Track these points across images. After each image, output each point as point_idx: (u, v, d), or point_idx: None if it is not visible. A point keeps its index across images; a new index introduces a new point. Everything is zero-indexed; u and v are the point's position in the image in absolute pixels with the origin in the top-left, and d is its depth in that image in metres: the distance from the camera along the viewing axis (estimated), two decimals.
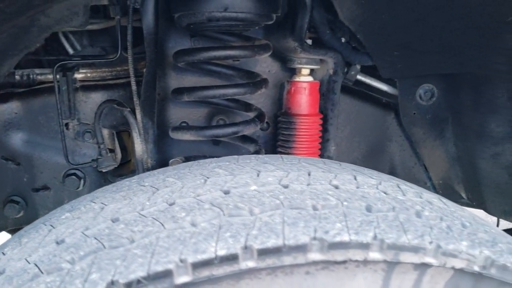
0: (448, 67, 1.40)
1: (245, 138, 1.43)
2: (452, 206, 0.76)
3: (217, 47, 1.34)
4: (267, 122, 1.58)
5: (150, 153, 1.44)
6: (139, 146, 1.33)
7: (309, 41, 1.45)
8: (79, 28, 1.26)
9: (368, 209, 0.64)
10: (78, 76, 1.45)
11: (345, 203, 0.64)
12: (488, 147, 1.46)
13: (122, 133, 1.55)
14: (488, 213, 1.60)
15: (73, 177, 1.45)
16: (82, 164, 1.46)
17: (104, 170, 1.42)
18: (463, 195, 1.67)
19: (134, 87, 1.31)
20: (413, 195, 0.73)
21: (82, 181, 1.46)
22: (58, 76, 1.41)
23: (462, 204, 1.80)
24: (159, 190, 0.71)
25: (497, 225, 1.81)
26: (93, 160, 1.43)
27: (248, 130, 1.29)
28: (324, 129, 1.54)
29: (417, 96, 1.53)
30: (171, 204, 0.65)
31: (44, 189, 1.50)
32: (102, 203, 0.72)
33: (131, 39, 1.28)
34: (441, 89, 1.52)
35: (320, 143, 1.53)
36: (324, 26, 1.43)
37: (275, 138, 1.56)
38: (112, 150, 1.44)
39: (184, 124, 1.50)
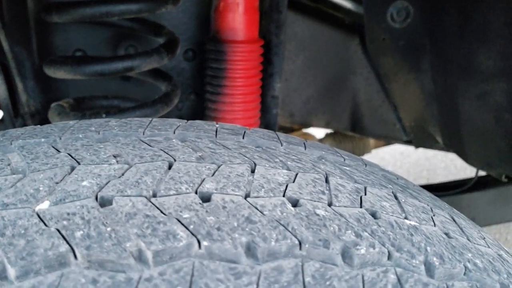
0: None
1: (157, 73, 1.07)
2: None
3: None
4: (193, 50, 1.21)
5: (31, 92, 1.08)
6: (1, 87, 0.97)
7: None
8: None
9: None
10: None
11: None
12: (474, 85, 1.15)
13: None
14: (467, 163, 1.32)
15: None
16: None
17: None
18: (439, 139, 1.38)
19: None
20: None
21: None
22: None
23: (437, 148, 1.51)
24: None
25: (476, 175, 1.54)
26: None
27: (149, 65, 0.93)
28: (267, 60, 1.18)
29: (388, 16, 1.20)
30: None
31: None
32: None
33: None
34: (418, 8, 1.18)
35: (261, 79, 1.18)
36: None
37: (204, 70, 1.20)
38: None
39: (78, 54, 1.13)
